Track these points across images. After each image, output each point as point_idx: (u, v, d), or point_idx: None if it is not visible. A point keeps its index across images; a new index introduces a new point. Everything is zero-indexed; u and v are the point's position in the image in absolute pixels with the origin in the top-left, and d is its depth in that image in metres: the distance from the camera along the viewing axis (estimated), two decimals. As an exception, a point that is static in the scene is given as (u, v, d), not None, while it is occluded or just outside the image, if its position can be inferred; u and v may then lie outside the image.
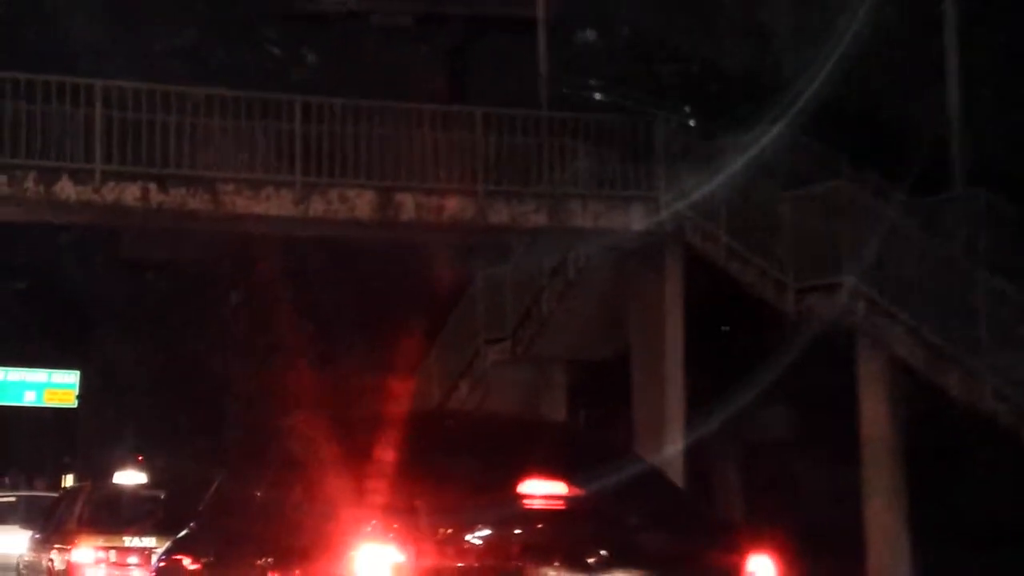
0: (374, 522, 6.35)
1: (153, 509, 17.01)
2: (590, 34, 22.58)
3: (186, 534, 8.65)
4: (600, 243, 21.17)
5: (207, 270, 41.13)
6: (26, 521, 22.54)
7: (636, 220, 20.58)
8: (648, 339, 21.30)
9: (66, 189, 18.45)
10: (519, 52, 24.01)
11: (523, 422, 10.45)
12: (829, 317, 17.54)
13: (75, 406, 48.86)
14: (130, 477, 34.60)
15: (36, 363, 47.75)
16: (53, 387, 48.06)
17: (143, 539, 16.04)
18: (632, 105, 20.87)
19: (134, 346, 45.38)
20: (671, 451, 20.58)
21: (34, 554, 18.71)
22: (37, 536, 19.13)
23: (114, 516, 16.97)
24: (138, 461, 44.66)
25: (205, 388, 41.61)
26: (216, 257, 40.50)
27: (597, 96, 21.07)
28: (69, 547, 16.50)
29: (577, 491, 6.75)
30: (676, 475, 20.43)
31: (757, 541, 6.73)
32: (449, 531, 6.39)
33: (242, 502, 7.89)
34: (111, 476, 39.86)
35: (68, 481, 52.99)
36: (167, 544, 9.19)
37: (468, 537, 6.41)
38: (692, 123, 20.56)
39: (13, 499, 29.82)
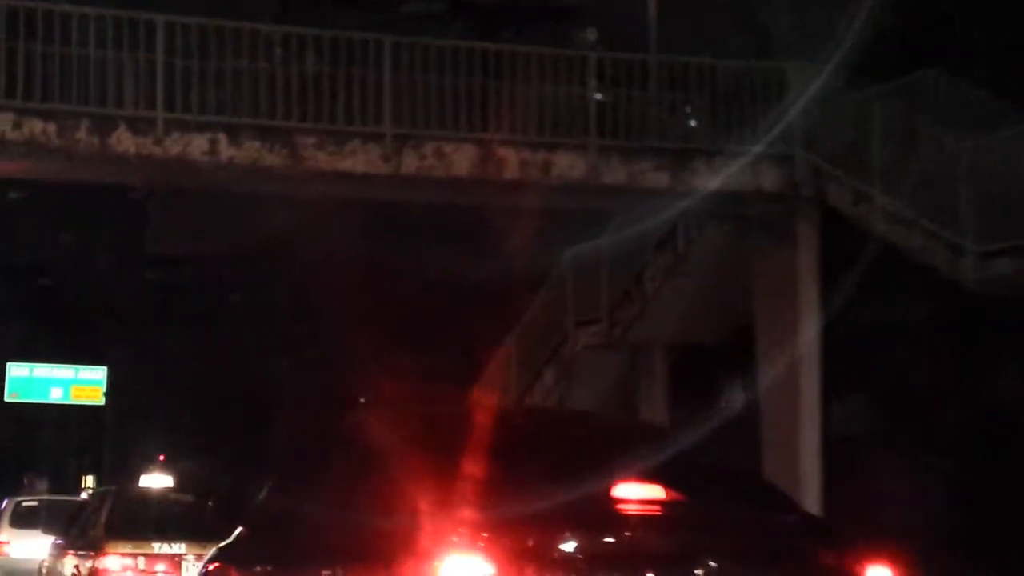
0: (460, 530, 5.85)
1: (183, 514, 16.39)
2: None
3: (233, 541, 7.99)
4: (723, 207, 18.66)
5: (242, 263, 39.22)
6: (48, 526, 21.16)
7: (767, 180, 18.08)
8: (776, 320, 18.77)
9: (123, 140, 15.95)
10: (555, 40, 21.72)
11: (613, 422, 9.89)
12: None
13: (102, 403, 46.99)
14: (156, 480, 33.21)
15: (63, 359, 45.90)
16: (80, 383, 46.62)
17: (173, 545, 15.25)
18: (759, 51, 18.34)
19: (164, 341, 43.47)
20: (807, 449, 18.10)
21: (57, 560, 17.63)
22: (60, 542, 18.12)
23: (142, 521, 16.07)
24: (160, 461, 43.17)
25: (243, 385, 39.55)
26: (250, 249, 38.47)
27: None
28: (95, 554, 15.61)
29: (676, 496, 6.28)
30: (813, 477, 18.05)
31: (875, 550, 6.15)
32: (541, 540, 5.84)
33: (300, 506, 7.35)
34: (138, 477, 38.10)
35: (88, 482, 51.53)
36: (211, 551, 8.54)
37: (561, 546, 5.85)
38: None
39: (35, 503, 28.33)
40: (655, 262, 20.99)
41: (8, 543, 25.93)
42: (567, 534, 5.87)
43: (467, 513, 5.93)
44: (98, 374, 46.50)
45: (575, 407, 22.19)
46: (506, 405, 20.54)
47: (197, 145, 16.16)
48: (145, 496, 19.06)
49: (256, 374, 38.84)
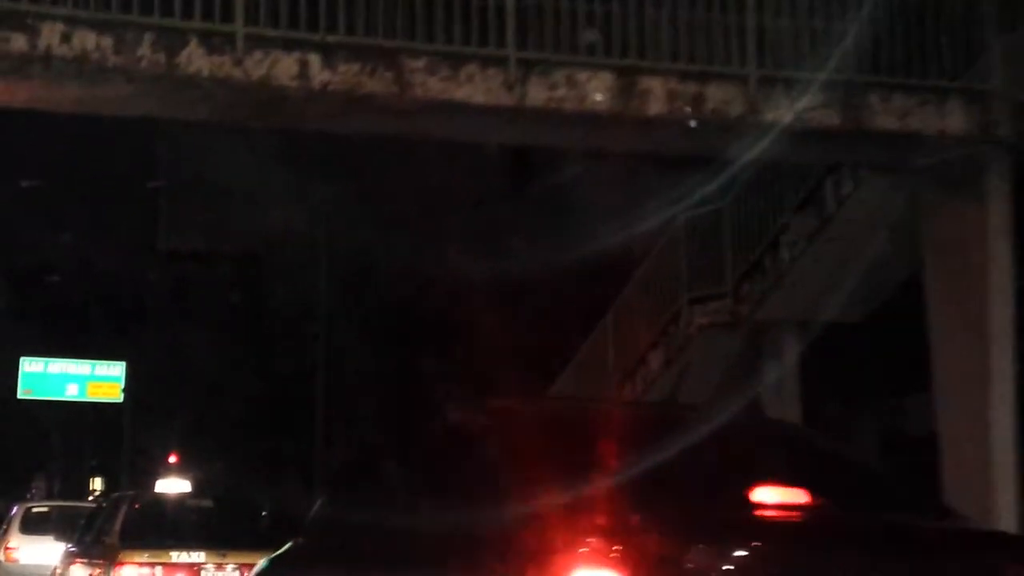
0: (590, 541, 5.30)
1: (201, 520, 15.93)
2: None
3: (290, 551, 7.53)
4: (894, 155, 15.73)
5: (265, 258, 37.07)
6: (60, 532, 20.15)
7: (953, 121, 15.11)
8: (955, 293, 15.76)
9: (195, 60, 12.99)
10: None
11: (744, 417, 8.45)
12: None
13: (120, 400, 44.86)
14: (173, 485, 32.25)
15: (79, 354, 43.68)
16: (97, 380, 44.60)
17: (191, 554, 14.58)
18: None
19: (184, 338, 41.31)
20: (1000, 449, 15.13)
21: (69, 569, 16.90)
22: (73, 549, 17.48)
23: (159, 529, 15.61)
24: (171, 463, 41.47)
25: (269, 385, 37.10)
26: (266, 246, 36.30)
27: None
28: (110, 562, 14.95)
29: (824, 501, 5.82)
30: (1008, 479, 15.11)
31: None
32: (677, 551, 5.30)
33: (376, 513, 6.75)
34: (154, 480, 36.79)
35: (95, 484, 49.74)
36: (261, 563, 7.99)
37: (700, 558, 5.28)
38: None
39: (46, 509, 27.72)
40: (796, 225, 18.03)
41: (17, 549, 25.61)
42: (707, 544, 5.36)
43: (596, 521, 5.43)
44: (116, 370, 44.28)
45: (688, 397, 19.36)
46: (626, 401, 17.95)
47: (284, 67, 13.19)
48: (162, 502, 18.62)
49: (285, 373, 36.45)
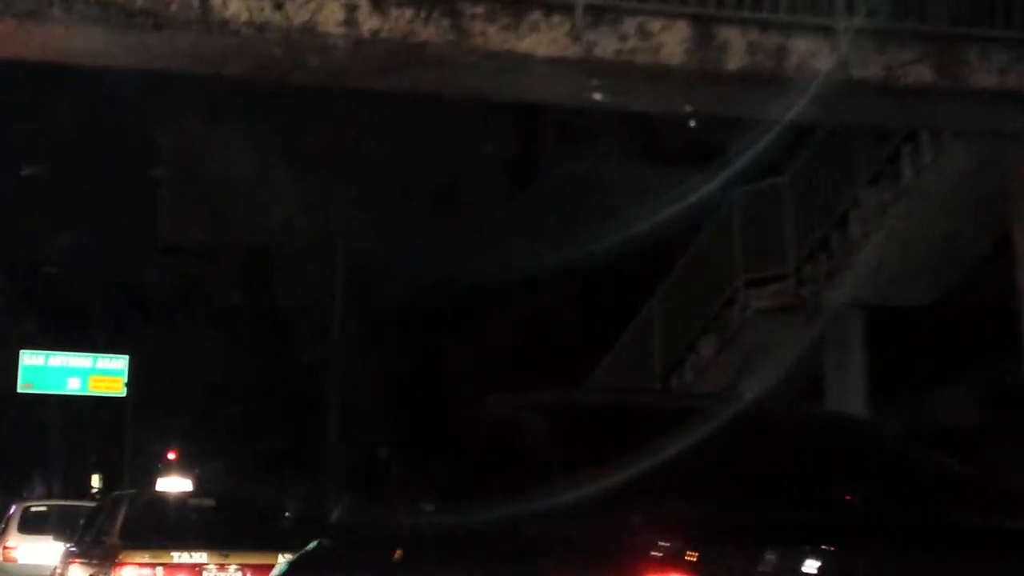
0: (665, 545, 5.01)
1: (203, 520, 15.74)
2: None
3: (313, 552, 7.24)
4: (986, 117, 14.44)
5: (274, 253, 36.09)
6: (59, 532, 19.76)
7: (1058, 79, 13.82)
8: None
9: (231, 3, 11.68)
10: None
11: (817, 413, 8.45)
12: None
13: (123, 395, 43.71)
14: (174, 484, 31.88)
15: (81, 347, 42.47)
16: (99, 373, 43.34)
17: (193, 555, 14.39)
18: None
19: (189, 332, 40.24)
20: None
21: (69, 569, 16.90)
22: (73, 548, 17.28)
23: (160, 529, 15.40)
24: (170, 460, 40.42)
25: (279, 379, 36.02)
26: (282, 235, 35.19)
27: None
28: (110, 563, 14.79)
29: (900, 502, 5.61)
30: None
31: None
32: (752, 557, 4.99)
33: (406, 512, 6.55)
34: (155, 478, 36.19)
35: (95, 482, 49.52)
36: (281, 565, 7.80)
37: (774, 565, 4.97)
38: None
39: (44, 508, 27.53)
40: (867, 199, 16.74)
41: (16, 548, 25.47)
42: (782, 549, 4.97)
43: (670, 526, 5.07)
44: (119, 363, 43.02)
45: (746, 386, 18.08)
46: (683, 393, 16.74)
47: (330, 11, 11.90)
48: (163, 501, 18.40)
49: (291, 370, 35.37)
